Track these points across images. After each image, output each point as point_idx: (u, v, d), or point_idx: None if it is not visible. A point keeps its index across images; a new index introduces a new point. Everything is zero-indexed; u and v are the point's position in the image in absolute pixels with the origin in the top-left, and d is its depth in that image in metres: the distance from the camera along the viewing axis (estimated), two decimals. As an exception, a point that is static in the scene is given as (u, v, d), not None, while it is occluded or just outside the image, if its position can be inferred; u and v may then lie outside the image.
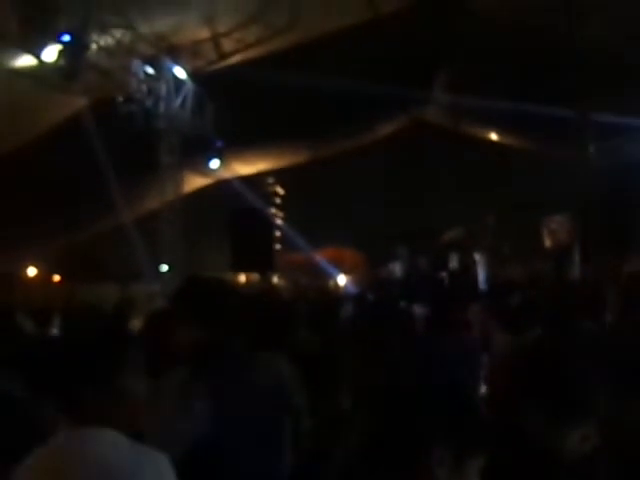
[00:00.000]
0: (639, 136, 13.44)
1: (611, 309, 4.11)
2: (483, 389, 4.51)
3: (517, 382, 1.92)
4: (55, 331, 6.29)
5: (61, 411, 1.79)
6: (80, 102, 11.73)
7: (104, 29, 9.83)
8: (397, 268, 16.31)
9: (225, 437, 2.28)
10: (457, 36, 14.26)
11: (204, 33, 12.77)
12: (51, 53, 8.61)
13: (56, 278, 17.69)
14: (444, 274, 13.81)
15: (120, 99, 11.11)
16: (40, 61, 8.66)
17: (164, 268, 13.71)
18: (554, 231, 14.75)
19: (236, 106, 13.42)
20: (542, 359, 1.91)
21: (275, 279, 16.53)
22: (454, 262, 14.13)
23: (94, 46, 9.54)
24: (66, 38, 8.59)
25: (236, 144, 14.63)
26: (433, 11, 13.56)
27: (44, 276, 17.15)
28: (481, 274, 13.65)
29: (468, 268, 13.70)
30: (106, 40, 10.00)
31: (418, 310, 5.94)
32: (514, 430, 1.83)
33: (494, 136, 18.49)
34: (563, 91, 10.67)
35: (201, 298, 2.45)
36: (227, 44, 13.29)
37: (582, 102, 10.18)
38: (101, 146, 11.69)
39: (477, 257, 14.17)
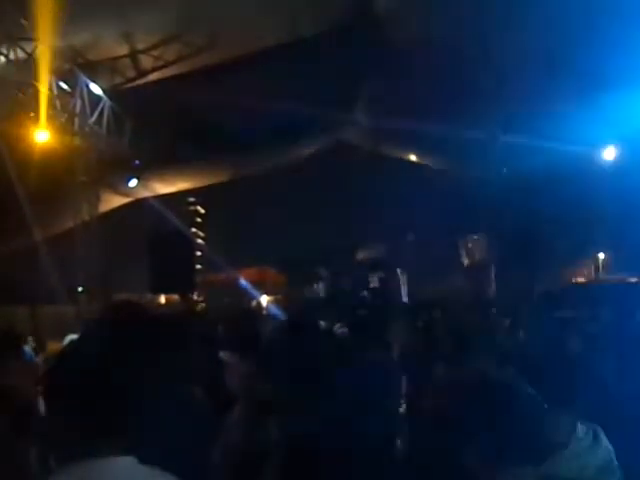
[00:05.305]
0: (551, 158, 14.03)
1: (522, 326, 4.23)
2: (403, 408, 4.53)
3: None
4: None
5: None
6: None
7: (13, 41, 9.46)
8: (320, 288, 16.36)
9: None
10: (376, 59, 14.54)
11: (122, 49, 12.51)
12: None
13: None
14: (365, 292, 13.96)
15: (32, 115, 10.66)
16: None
17: (79, 289, 13.21)
18: (471, 250, 15.22)
19: (155, 124, 13.18)
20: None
21: (195, 299, 16.23)
22: (375, 281, 14.31)
23: (2, 59, 9.14)
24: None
25: (155, 163, 14.35)
26: (353, 36, 13.79)
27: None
28: (403, 291, 13.90)
29: (389, 286, 13.91)
30: (16, 53, 9.61)
31: (339, 330, 5.93)
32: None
33: (413, 157, 18.92)
34: (479, 114, 11.06)
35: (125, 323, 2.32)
36: (146, 61, 13.07)
37: (497, 124, 10.60)
38: (12, 164, 11.17)
39: (399, 274, 14.43)
